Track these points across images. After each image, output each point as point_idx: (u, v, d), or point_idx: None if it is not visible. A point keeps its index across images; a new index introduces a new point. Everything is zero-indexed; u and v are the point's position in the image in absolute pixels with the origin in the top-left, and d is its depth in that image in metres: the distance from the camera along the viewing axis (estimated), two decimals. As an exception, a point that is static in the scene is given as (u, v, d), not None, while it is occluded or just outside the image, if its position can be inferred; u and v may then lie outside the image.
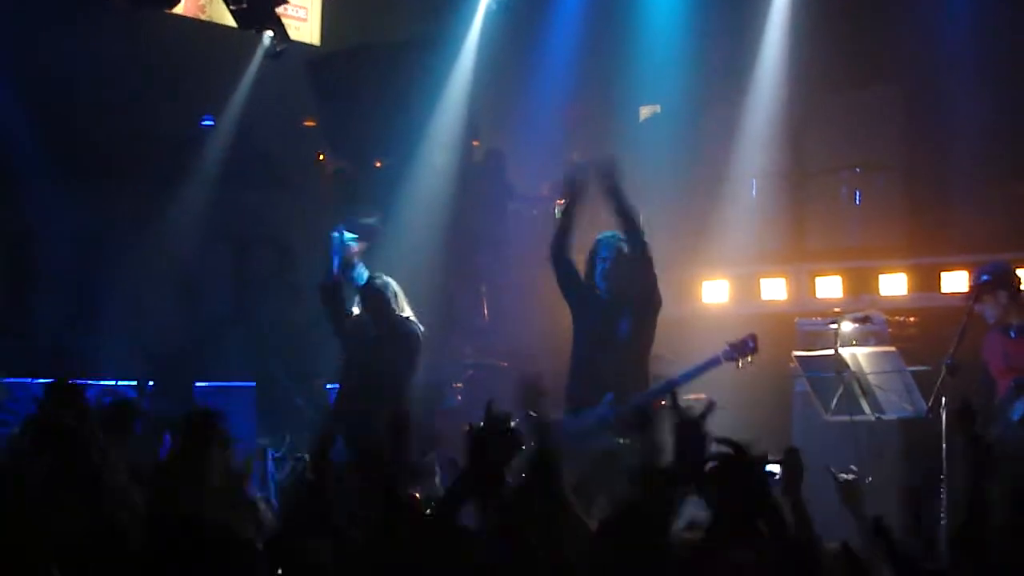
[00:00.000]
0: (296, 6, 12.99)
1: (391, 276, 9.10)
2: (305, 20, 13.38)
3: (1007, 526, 3.56)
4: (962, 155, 10.90)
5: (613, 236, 8.16)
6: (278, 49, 11.77)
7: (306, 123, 13.57)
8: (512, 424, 4.96)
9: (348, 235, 9.09)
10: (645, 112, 12.83)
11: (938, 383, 7.92)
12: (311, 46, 13.35)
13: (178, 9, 12.06)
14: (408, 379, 8.82)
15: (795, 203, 11.70)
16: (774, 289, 11.53)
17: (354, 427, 8.65)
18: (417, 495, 4.76)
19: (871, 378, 8.58)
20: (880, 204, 11.33)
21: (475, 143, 13.17)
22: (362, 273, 8.96)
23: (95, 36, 11.85)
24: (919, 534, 7.81)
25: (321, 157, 13.80)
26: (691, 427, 3.75)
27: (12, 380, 10.35)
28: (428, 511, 4.25)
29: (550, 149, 12.78)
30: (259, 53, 12.42)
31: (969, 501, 3.65)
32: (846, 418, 8.63)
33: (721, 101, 11.94)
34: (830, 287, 11.23)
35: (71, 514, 4.02)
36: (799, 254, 11.60)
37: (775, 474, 4.11)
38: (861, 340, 9.35)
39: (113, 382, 10.80)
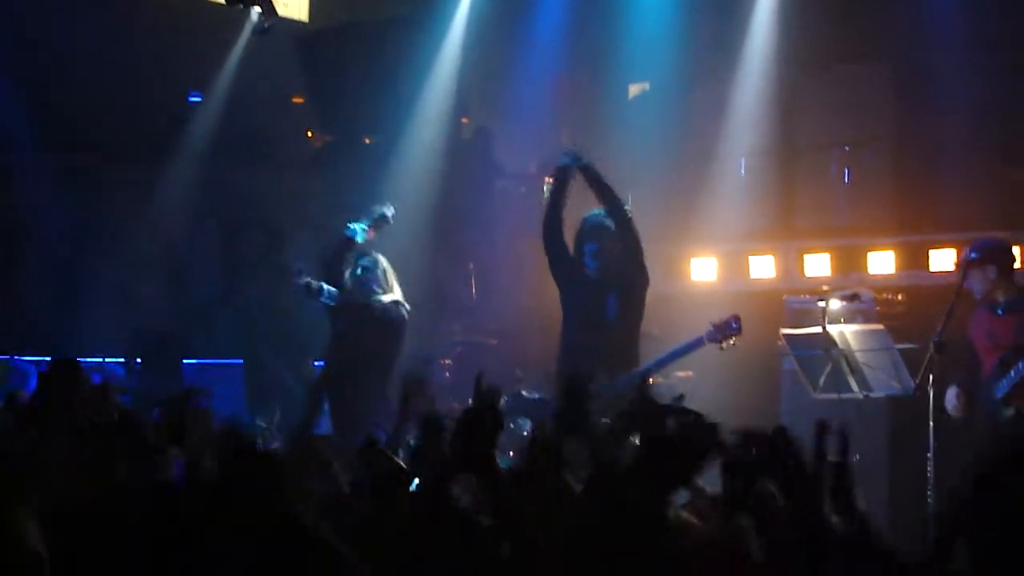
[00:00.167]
0: (283, -18, 12.94)
1: (381, 253, 9.10)
2: (293, -4, 13.34)
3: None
4: (951, 133, 10.90)
5: (600, 214, 8.18)
6: (266, 25, 11.73)
7: (294, 100, 13.53)
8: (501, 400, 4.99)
9: (360, 226, 9.01)
10: (634, 90, 12.81)
11: (926, 361, 7.93)
12: (299, 23, 13.30)
13: (166, -15, 12.03)
14: (393, 358, 8.81)
15: (784, 181, 11.69)
16: (762, 267, 11.54)
17: (339, 404, 8.68)
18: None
19: (859, 356, 8.58)
20: (869, 182, 11.33)
21: (464, 120, 13.14)
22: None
23: (82, 12, 11.81)
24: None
25: (310, 134, 13.76)
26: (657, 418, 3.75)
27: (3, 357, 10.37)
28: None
29: (539, 127, 12.76)
30: (247, 29, 12.36)
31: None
32: (834, 396, 8.64)
33: (710, 78, 11.92)
34: (818, 265, 11.24)
35: (56, 486, 4.01)
36: (787, 232, 11.60)
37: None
38: (849, 318, 9.35)
39: (101, 360, 10.80)
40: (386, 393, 8.74)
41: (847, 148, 11.41)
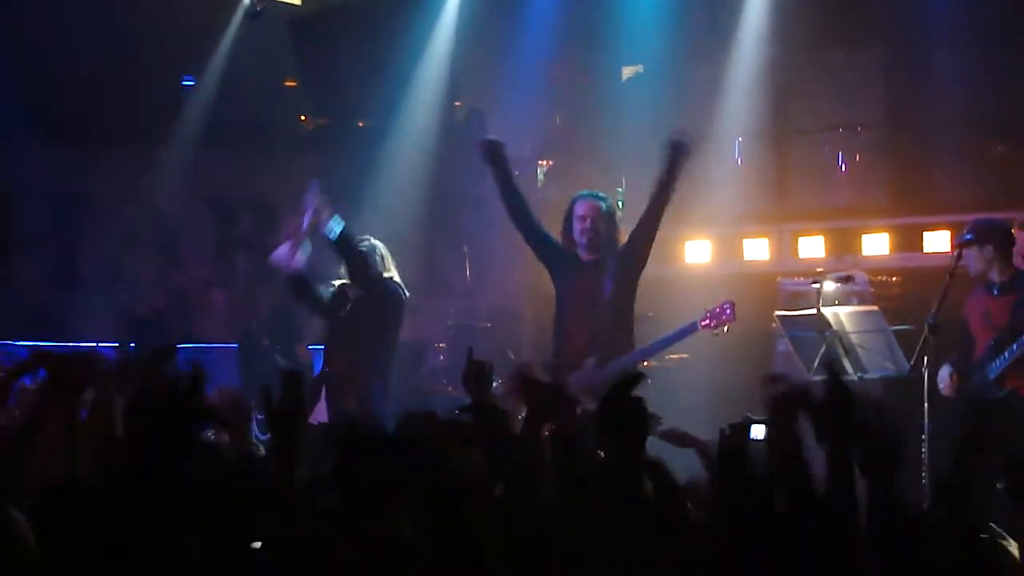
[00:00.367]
0: (276, -36, 12.90)
1: (374, 236, 9.06)
2: (286, -21, 13.29)
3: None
4: (945, 116, 10.90)
5: (592, 194, 8.17)
6: (258, 8, 11.70)
7: (287, 83, 13.50)
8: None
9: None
10: (628, 72, 12.78)
11: (920, 342, 7.94)
12: (292, 5, 13.25)
13: (158, -33, 11.99)
14: (391, 340, 8.78)
15: (778, 163, 11.68)
16: (757, 249, 11.54)
17: (337, 388, 8.65)
18: None
19: (853, 337, 8.58)
20: (863, 164, 11.33)
21: (457, 103, 13.12)
22: (334, 227, 8.66)
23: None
24: None
25: (303, 118, 13.75)
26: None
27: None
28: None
29: (532, 109, 12.73)
30: (239, 12, 12.33)
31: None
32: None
33: (704, 61, 11.90)
34: (813, 247, 11.24)
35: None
36: (782, 214, 11.59)
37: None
38: (844, 300, 9.35)
39: (94, 344, 10.77)
40: (386, 375, 8.72)
41: (841, 130, 11.42)
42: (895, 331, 8.55)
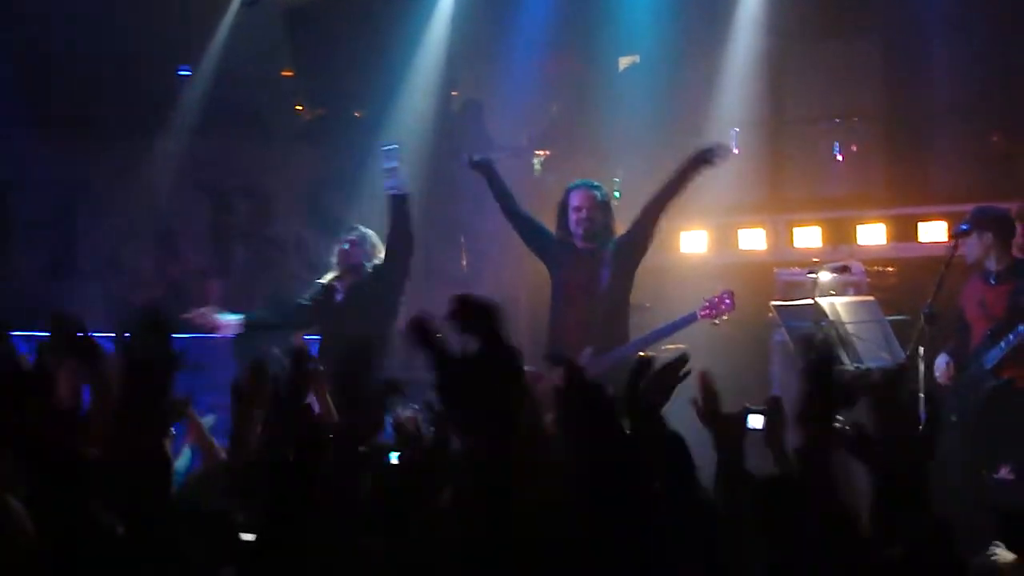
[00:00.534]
0: (272, -46, 12.88)
1: (369, 226, 9.07)
2: (282, -32, 13.27)
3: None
4: (941, 106, 10.92)
5: (586, 184, 8.19)
6: (254, -2, 11.69)
7: (284, 73, 13.48)
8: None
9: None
10: (624, 62, 12.78)
11: (916, 332, 7.95)
12: (288, -5, 13.26)
13: (154, -43, 11.97)
14: (387, 329, 8.78)
15: (774, 154, 11.69)
16: (753, 239, 11.54)
17: (336, 376, 8.64)
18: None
19: (849, 327, 8.59)
20: (859, 155, 11.34)
21: (454, 93, 13.11)
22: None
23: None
24: None
25: (300, 108, 13.73)
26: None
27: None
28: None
29: (529, 99, 12.73)
30: (236, 2, 12.32)
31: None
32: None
33: (700, 51, 11.89)
34: (809, 237, 11.24)
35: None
36: (778, 204, 11.60)
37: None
38: (840, 290, 9.37)
39: (91, 334, 10.76)
40: (382, 363, 8.71)
41: (837, 121, 11.43)
42: (891, 321, 8.56)
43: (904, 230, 10.78)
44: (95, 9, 11.79)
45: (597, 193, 8.16)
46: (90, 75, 12.01)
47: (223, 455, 5.33)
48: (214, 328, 8.83)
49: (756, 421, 3.97)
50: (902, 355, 8.16)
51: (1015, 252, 8.12)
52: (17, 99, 11.74)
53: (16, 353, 4.80)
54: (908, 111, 11.09)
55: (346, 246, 8.80)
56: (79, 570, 3.29)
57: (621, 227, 8.27)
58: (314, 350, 9.47)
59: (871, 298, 8.96)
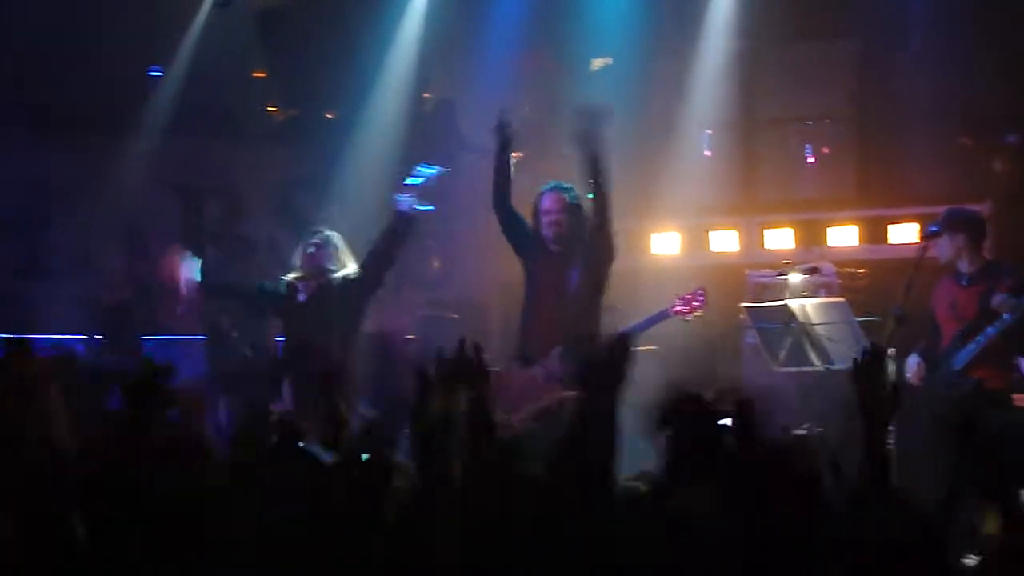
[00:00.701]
0: (243, -46, 12.84)
1: (339, 228, 9.05)
2: (254, -31, 13.23)
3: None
4: (912, 108, 10.94)
5: (557, 186, 8.18)
6: (226, -1, 11.64)
7: (256, 74, 13.44)
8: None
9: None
10: (597, 63, 12.78)
11: (886, 333, 7.97)
12: (260, -4, 13.22)
13: (125, -44, 11.91)
14: (354, 329, 8.76)
15: (746, 155, 11.72)
16: (725, 241, 11.57)
17: (301, 377, 8.62)
18: None
19: (819, 329, 8.61)
20: (831, 156, 11.38)
21: (426, 95, 13.09)
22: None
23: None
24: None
25: (272, 108, 13.69)
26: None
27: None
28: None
29: (502, 100, 12.71)
30: (207, 2, 12.28)
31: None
32: (795, 369, 8.67)
33: (673, 52, 11.91)
34: (781, 239, 11.28)
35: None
36: (750, 206, 11.62)
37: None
38: (811, 291, 9.39)
39: (60, 336, 10.72)
40: (348, 368, 8.70)
41: (809, 123, 11.45)
42: (861, 322, 8.58)
43: (875, 232, 10.83)
44: (66, 8, 11.73)
45: (567, 195, 8.14)
46: (61, 74, 11.96)
47: None
48: (176, 279, 8.74)
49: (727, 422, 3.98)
50: (872, 357, 8.16)
51: (986, 254, 8.14)
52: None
53: None
54: (879, 113, 11.13)
55: (311, 250, 8.77)
56: None
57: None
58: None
59: (841, 299, 8.99)
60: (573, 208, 8.12)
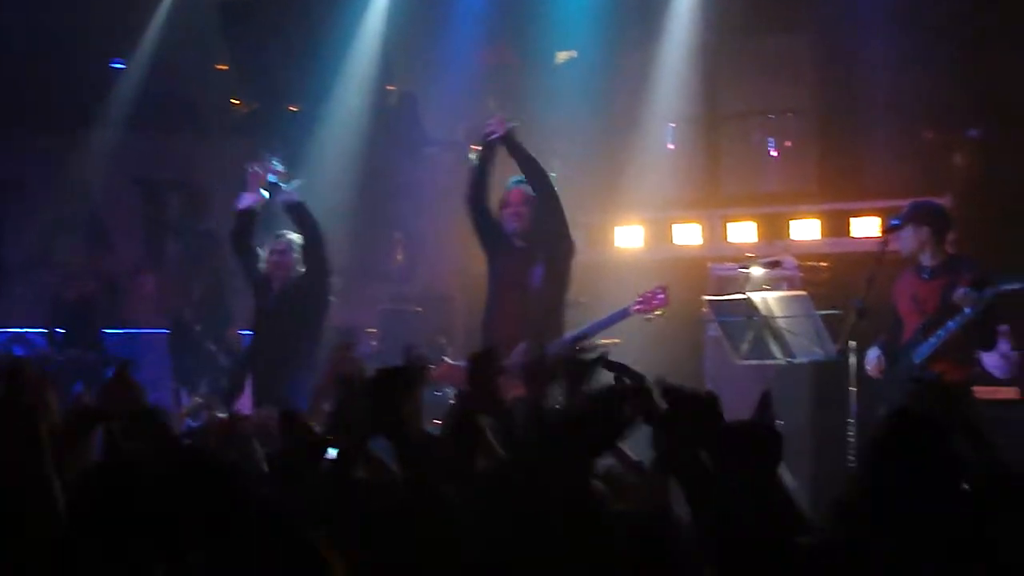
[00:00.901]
0: (206, -53, 12.78)
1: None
2: (216, -39, 13.17)
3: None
4: (874, 102, 10.98)
5: (520, 181, 8.18)
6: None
7: (219, 67, 13.40)
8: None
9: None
10: (561, 57, 12.79)
11: (848, 327, 8.00)
12: (224, -12, 13.17)
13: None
14: (316, 331, 8.76)
15: (709, 149, 11.74)
16: (688, 234, 11.59)
17: (264, 375, 8.62)
18: None
19: (781, 322, 8.64)
20: (793, 150, 11.40)
21: (389, 87, 13.07)
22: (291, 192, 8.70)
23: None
24: None
25: (235, 102, 13.65)
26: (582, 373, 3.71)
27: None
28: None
29: (466, 93, 12.71)
30: (169, -5, 12.25)
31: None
32: (757, 362, 8.70)
33: (636, 46, 11.92)
34: (744, 232, 11.30)
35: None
36: (713, 199, 11.65)
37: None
38: (773, 285, 9.41)
39: (22, 330, 10.68)
40: (312, 365, 8.70)
41: (772, 117, 11.48)
42: (823, 316, 8.61)
43: (837, 225, 10.86)
44: (28, 4, 11.68)
45: (530, 190, 8.15)
46: (22, 68, 11.90)
47: None
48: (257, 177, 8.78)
49: None
50: (833, 350, 8.20)
51: (948, 248, 8.18)
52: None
53: None
54: (841, 107, 11.17)
55: (275, 257, 8.78)
56: None
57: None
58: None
59: (803, 293, 9.01)
60: (537, 202, 8.13)
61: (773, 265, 9.36)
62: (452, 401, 7.65)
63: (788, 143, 11.41)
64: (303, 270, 8.70)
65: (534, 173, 8.04)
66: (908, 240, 8.07)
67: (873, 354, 8.15)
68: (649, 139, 11.45)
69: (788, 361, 8.63)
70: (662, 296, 8.10)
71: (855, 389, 8.00)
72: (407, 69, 13.14)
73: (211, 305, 11.60)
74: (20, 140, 12.15)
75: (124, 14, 12.40)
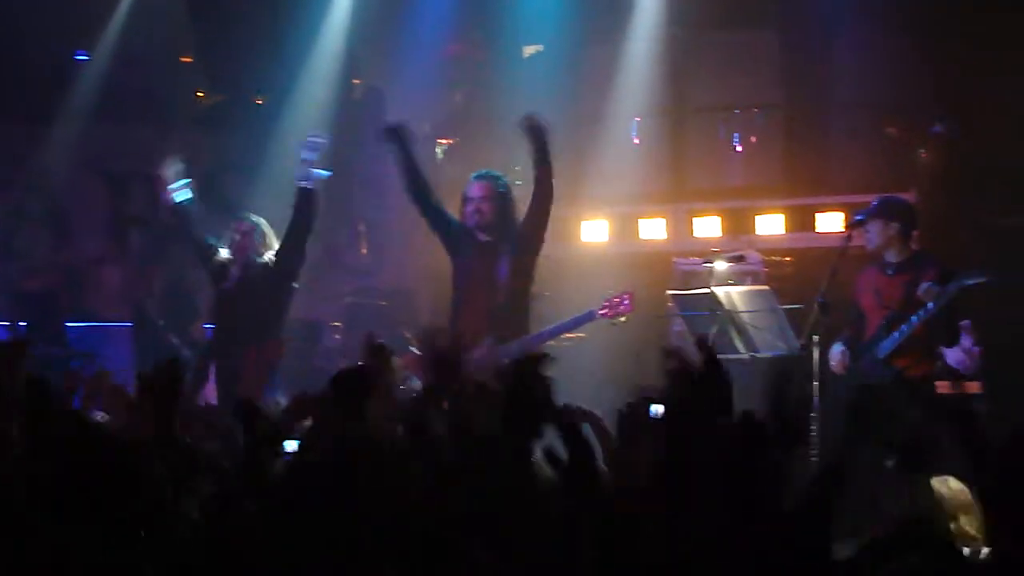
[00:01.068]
0: (170, -63, 12.72)
1: (267, 215, 9.00)
2: (181, -49, 13.11)
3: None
4: (840, 98, 11.03)
5: (485, 174, 8.17)
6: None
7: (183, 59, 13.33)
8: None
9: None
10: (529, 51, 12.78)
11: (810, 321, 8.03)
12: (189, -21, 13.11)
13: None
14: (278, 319, 8.74)
15: (675, 143, 11.75)
16: (653, 229, 11.59)
17: (225, 367, 8.60)
18: None
19: (744, 316, 8.66)
20: (759, 145, 11.43)
21: (355, 81, 13.03)
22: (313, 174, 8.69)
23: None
24: None
25: (200, 93, 13.59)
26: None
27: None
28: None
29: (432, 87, 12.70)
30: (134, -15, 12.17)
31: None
32: (721, 356, 8.70)
33: (603, 40, 11.92)
34: (709, 227, 11.31)
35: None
36: (678, 194, 11.65)
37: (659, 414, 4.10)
38: (738, 279, 9.44)
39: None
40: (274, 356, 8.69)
41: (737, 111, 11.50)
42: (786, 310, 8.63)
43: (802, 220, 10.89)
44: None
45: (494, 183, 8.13)
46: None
47: None
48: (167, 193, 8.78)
49: (659, 410, 3.97)
50: (797, 344, 8.23)
51: (913, 244, 8.21)
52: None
53: None
54: (806, 103, 11.20)
55: (237, 236, 8.74)
56: None
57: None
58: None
59: (766, 287, 9.04)
60: (501, 196, 8.12)
61: (737, 260, 9.39)
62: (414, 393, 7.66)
63: (753, 138, 11.43)
64: (268, 255, 8.65)
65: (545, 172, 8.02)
66: (876, 235, 8.10)
67: (837, 350, 8.18)
68: (615, 133, 11.46)
69: (751, 355, 8.65)
70: (628, 303, 8.14)
71: (817, 383, 8.03)
72: (373, 63, 13.10)
73: (175, 298, 11.55)
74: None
75: (87, 5, 12.33)
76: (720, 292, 8.72)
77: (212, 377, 8.70)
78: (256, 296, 8.60)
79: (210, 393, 8.58)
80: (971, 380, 8.26)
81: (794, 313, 8.53)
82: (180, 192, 8.83)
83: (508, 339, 7.91)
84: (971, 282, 7.78)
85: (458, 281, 8.23)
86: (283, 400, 4.76)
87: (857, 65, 10.80)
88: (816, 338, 8.02)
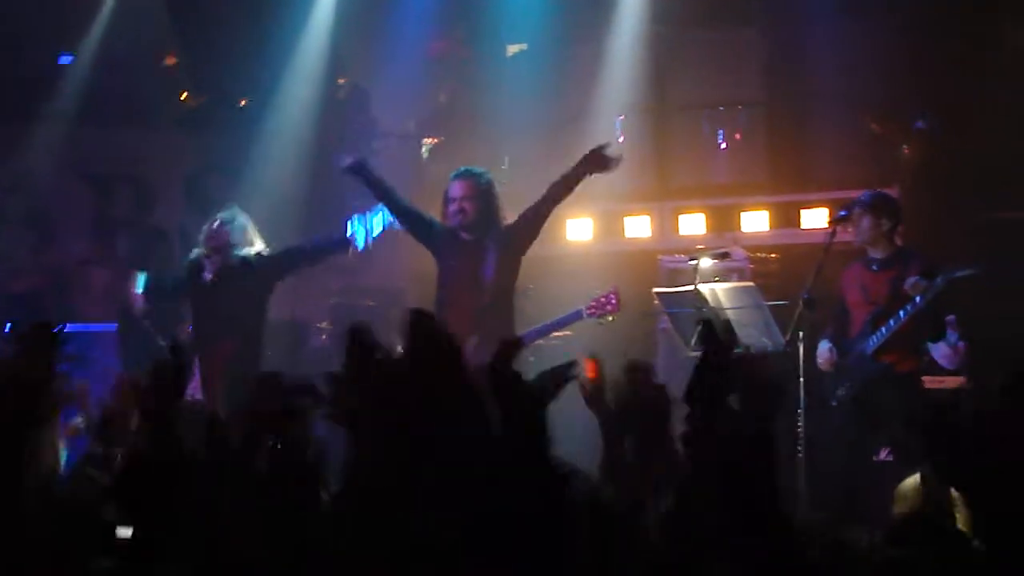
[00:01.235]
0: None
1: (252, 215, 8.99)
2: (163, -48, 13.08)
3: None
4: (822, 94, 11.05)
5: (467, 171, 8.17)
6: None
7: (167, 60, 13.31)
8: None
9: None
10: (512, 49, 12.78)
11: (795, 317, 8.05)
12: (172, -20, 13.07)
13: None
14: (259, 316, 8.72)
15: (659, 141, 11.75)
16: (638, 226, 11.59)
17: (209, 354, 8.58)
18: None
19: (730, 313, 8.66)
20: (743, 142, 11.44)
21: (340, 80, 13.02)
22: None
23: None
24: None
25: (183, 94, 13.56)
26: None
27: None
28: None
29: (417, 86, 12.69)
30: (116, -13, 12.15)
31: None
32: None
33: (587, 37, 11.92)
34: (694, 224, 11.32)
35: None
36: (663, 191, 11.66)
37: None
38: (723, 276, 9.45)
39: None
40: (259, 339, 8.70)
41: (721, 108, 11.52)
42: (772, 307, 8.65)
43: (786, 217, 10.91)
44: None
45: (477, 181, 8.13)
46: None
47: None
48: (132, 302, 8.74)
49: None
50: (782, 340, 8.25)
51: (898, 240, 8.24)
52: None
53: None
54: (790, 99, 11.22)
55: (215, 225, 8.71)
56: None
57: (507, 213, 8.27)
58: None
59: (751, 284, 9.05)
60: (484, 194, 8.12)
61: (722, 257, 9.39)
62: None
63: (738, 135, 11.45)
64: (247, 250, 8.62)
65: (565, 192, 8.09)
66: (865, 231, 8.13)
67: (824, 346, 8.19)
68: (599, 131, 11.44)
69: (737, 352, 8.65)
70: (615, 301, 8.17)
71: (802, 379, 8.05)
72: (357, 62, 13.08)
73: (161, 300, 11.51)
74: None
75: (71, 8, 12.30)
76: (705, 289, 8.72)
77: (197, 372, 8.69)
78: (233, 290, 8.57)
79: (194, 388, 8.57)
80: (957, 375, 8.31)
81: (779, 309, 8.54)
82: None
83: (494, 338, 7.90)
84: (959, 275, 7.81)
85: (443, 281, 8.24)
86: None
87: (840, 62, 10.82)
88: (801, 334, 8.04)
